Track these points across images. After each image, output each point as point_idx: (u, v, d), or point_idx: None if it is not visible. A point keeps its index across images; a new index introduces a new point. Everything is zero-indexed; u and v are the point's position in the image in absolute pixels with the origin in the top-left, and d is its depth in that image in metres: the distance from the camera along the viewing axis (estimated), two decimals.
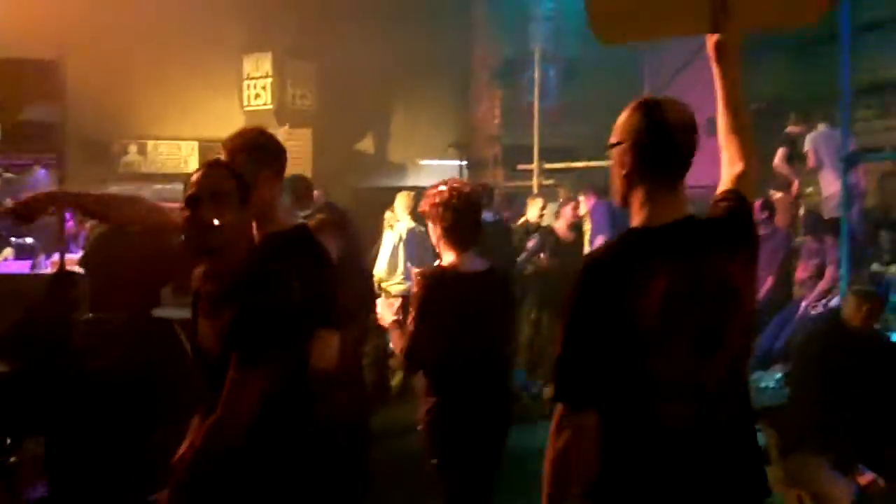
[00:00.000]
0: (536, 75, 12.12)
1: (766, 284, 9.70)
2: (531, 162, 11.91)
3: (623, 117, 2.72)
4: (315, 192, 10.06)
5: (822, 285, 9.28)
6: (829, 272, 9.25)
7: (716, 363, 2.58)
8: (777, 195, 11.44)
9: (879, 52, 12.45)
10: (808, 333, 6.26)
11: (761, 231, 9.74)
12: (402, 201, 10.19)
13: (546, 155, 12.09)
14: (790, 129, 11.80)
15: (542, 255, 10.14)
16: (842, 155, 10.74)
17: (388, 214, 10.38)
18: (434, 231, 4.46)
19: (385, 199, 13.92)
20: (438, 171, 16.80)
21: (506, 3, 13.44)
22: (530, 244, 9.97)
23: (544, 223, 10.60)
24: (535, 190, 11.46)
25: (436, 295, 4.27)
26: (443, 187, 4.45)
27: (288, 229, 3.84)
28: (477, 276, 4.42)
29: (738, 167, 2.88)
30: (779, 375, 7.67)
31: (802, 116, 11.84)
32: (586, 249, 10.19)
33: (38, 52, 11.68)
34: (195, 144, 17.28)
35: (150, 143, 17.17)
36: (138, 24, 15.48)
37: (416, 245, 9.87)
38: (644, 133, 2.66)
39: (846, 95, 7.54)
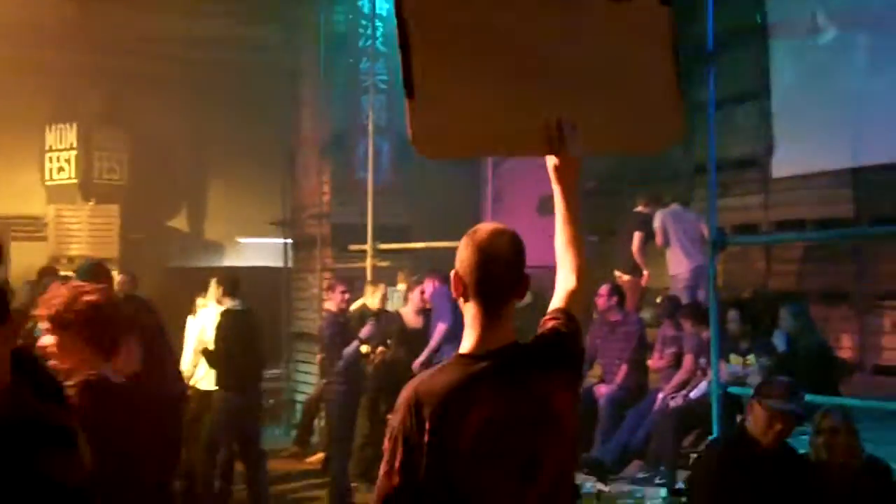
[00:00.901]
0: (370, 149, 11.03)
1: (620, 373, 8.94)
2: (364, 242, 10.79)
3: (459, 246, 2.78)
4: (120, 278, 9.16)
5: (680, 375, 8.61)
6: (688, 361, 8.61)
7: (537, 488, 2.60)
8: (624, 278, 10.76)
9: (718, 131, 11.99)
10: (706, 447, 5.39)
11: (612, 317, 8.99)
12: (213, 289, 9.06)
13: (380, 234, 11.00)
14: (640, 208, 11.15)
15: (388, 342, 9.18)
16: (703, 236, 10.32)
17: (199, 300, 9.23)
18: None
19: (201, 280, 13.03)
20: (261, 250, 15.69)
21: (336, 74, 12.41)
22: (365, 331, 8.91)
23: (390, 308, 9.68)
24: (370, 272, 10.36)
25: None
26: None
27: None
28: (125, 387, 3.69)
29: (571, 284, 2.95)
30: (664, 494, 6.84)
31: (652, 196, 11.21)
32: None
33: None
34: None
35: None
36: None
37: None
38: (468, 265, 2.72)
39: (713, 172, 6.84)
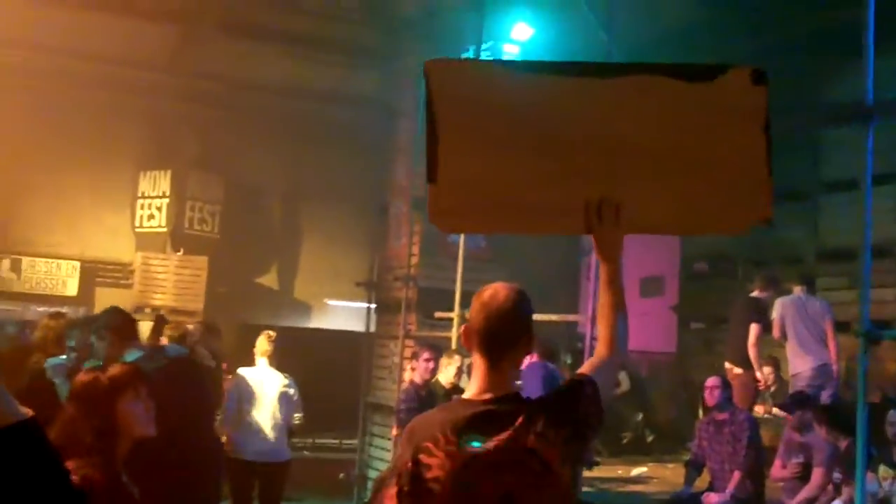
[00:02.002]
0: None
1: (732, 481, 7.57)
2: (451, 309, 9.56)
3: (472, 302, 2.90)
4: (189, 327, 8.80)
5: (807, 491, 7.16)
6: (818, 475, 7.16)
7: None
8: (735, 371, 9.37)
9: (847, 214, 10.65)
10: None
11: (719, 416, 7.71)
12: (261, 342, 8.22)
13: (470, 302, 9.87)
14: (757, 293, 9.76)
15: None
16: (825, 330, 8.94)
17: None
18: None
19: (285, 339, 12.35)
20: (346, 314, 14.68)
21: None
22: None
23: (464, 384, 8.46)
24: (454, 342, 9.11)
25: None
26: None
27: None
28: None
29: (604, 353, 3.00)
30: None
31: (770, 279, 9.85)
32: None
33: None
34: (77, 265, 15.07)
35: (26, 260, 14.83)
36: (28, 128, 13.76)
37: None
38: (474, 319, 2.85)
39: (868, 252, 5.53)
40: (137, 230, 15.16)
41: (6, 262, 14.91)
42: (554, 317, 9.36)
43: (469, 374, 8.19)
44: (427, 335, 10.58)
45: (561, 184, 3.00)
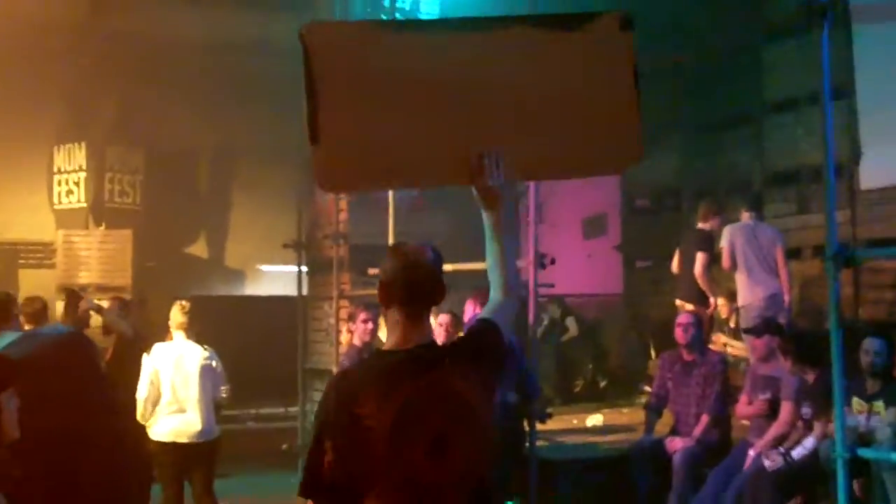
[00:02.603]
0: None
1: (699, 425, 7.02)
2: None
3: (385, 259, 2.95)
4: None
5: (776, 427, 6.61)
6: (786, 410, 6.63)
7: (446, 466, 2.73)
8: (687, 307, 8.78)
9: (792, 136, 10.11)
10: None
11: (688, 356, 7.18)
12: (174, 314, 7.36)
13: None
14: (701, 224, 9.16)
15: None
16: (776, 258, 8.42)
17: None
18: None
19: (218, 310, 11.65)
20: (281, 279, 13.90)
21: None
22: None
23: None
24: None
25: None
26: None
27: None
28: None
29: (499, 297, 3.07)
30: None
31: (714, 206, 9.25)
32: None
33: None
34: None
35: None
36: None
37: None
38: (393, 274, 2.88)
39: (830, 170, 4.95)
40: (56, 207, 14.31)
41: None
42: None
43: None
44: (362, 294, 9.85)
45: (443, 138, 3.03)
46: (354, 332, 8.23)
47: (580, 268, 13.04)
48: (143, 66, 13.34)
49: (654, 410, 7.56)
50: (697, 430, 7.06)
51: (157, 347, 7.25)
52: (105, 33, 13.06)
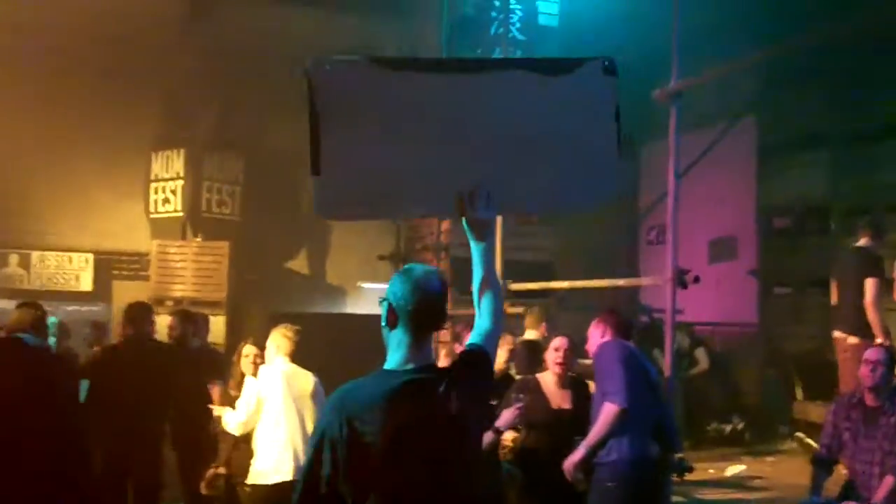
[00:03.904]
0: None
1: (882, 487, 5.37)
2: None
3: (393, 281, 2.96)
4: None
5: None
6: None
7: (441, 485, 2.79)
8: (850, 340, 7.14)
9: None
10: None
11: (872, 401, 5.54)
12: (279, 339, 6.13)
13: (514, 273, 7.62)
14: (864, 242, 7.51)
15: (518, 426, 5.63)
16: None
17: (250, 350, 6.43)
18: None
19: (311, 329, 10.48)
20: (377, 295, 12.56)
21: None
22: (504, 419, 5.43)
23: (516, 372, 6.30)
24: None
25: None
26: None
27: None
28: None
29: (487, 325, 3.10)
30: None
31: (875, 225, 7.61)
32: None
33: None
34: (90, 257, 13.22)
35: (36, 255, 13.04)
36: (32, 116, 12.13)
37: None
38: (401, 298, 2.88)
39: None
40: (152, 216, 13.33)
41: (14, 258, 13.20)
42: (621, 282, 7.24)
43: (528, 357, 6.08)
44: (465, 314, 8.37)
45: (436, 171, 3.13)
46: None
47: (707, 294, 11.43)
48: (244, 70, 12.30)
49: (823, 465, 5.87)
50: (880, 495, 5.41)
51: (264, 372, 6.05)
52: (206, 35, 12.09)
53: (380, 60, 3.16)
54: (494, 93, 3.14)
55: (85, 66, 12.16)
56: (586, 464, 5.28)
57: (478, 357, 3.00)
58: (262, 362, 6.28)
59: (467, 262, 8.60)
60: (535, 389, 5.60)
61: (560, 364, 5.52)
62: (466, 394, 2.89)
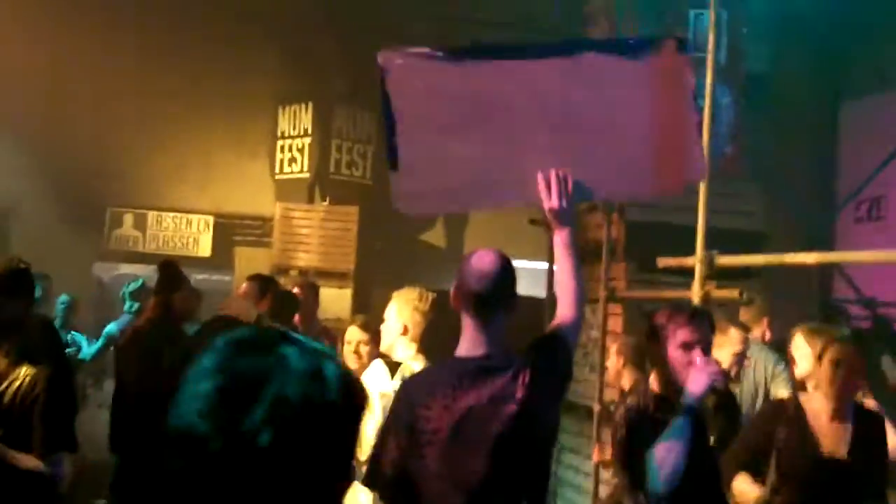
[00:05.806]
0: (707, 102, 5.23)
1: None
2: (684, 253, 5.21)
3: (459, 267, 2.96)
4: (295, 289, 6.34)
5: None
6: None
7: (501, 473, 2.71)
8: None
9: None
10: None
11: None
12: (403, 310, 4.38)
13: (716, 243, 5.36)
14: None
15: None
16: None
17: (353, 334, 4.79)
18: None
19: (445, 311, 8.54)
20: (526, 276, 10.52)
21: None
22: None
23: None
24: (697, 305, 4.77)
25: None
26: None
27: None
28: None
29: (569, 314, 2.98)
30: None
31: None
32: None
33: None
34: (210, 219, 11.68)
35: (152, 215, 11.63)
36: (155, 67, 10.86)
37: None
38: (463, 282, 2.85)
39: None
40: (277, 177, 11.66)
41: (129, 218, 11.76)
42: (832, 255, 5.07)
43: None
44: (644, 296, 6.22)
45: (513, 160, 3.04)
46: None
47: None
48: (377, 18, 10.45)
49: None
50: None
51: (379, 367, 4.32)
52: None
53: (452, 49, 3.01)
54: (569, 77, 3.03)
55: (205, 13, 10.65)
56: None
57: (553, 343, 2.91)
58: (371, 349, 4.42)
59: (649, 227, 6.51)
60: (796, 421, 3.50)
61: (845, 385, 3.42)
62: (538, 378, 2.79)
